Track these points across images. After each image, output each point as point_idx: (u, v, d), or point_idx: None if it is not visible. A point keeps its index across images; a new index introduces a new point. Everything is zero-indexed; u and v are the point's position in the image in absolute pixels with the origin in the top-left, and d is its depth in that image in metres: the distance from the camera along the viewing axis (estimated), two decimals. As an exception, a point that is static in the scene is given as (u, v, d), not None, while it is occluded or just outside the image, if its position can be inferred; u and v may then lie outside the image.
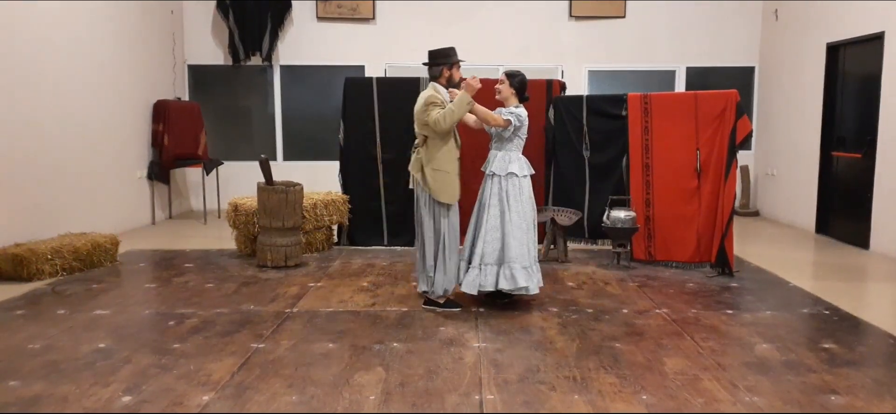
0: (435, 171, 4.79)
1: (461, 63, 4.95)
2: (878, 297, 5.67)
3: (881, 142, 7.23)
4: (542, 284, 5.04)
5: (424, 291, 5.03)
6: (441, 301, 4.98)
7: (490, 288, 4.85)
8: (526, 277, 4.83)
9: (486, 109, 4.87)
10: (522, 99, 5.02)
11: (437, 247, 4.88)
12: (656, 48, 10.08)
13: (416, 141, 4.94)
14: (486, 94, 7.28)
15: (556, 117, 7.16)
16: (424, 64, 4.97)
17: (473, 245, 4.96)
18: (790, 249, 7.47)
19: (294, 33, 10.06)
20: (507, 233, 4.83)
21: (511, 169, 4.87)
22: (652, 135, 6.45)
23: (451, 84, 4.91)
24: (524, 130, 4.96)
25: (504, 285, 4.82)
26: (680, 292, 5.53)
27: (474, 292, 4.88)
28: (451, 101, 4.82)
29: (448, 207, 4.86)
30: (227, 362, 3.89)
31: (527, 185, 4.94)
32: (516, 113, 4.89)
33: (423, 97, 4.85)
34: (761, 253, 7.11)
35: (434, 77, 4.91)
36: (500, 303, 5.08)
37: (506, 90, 4.99)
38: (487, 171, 4.99)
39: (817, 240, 8.09)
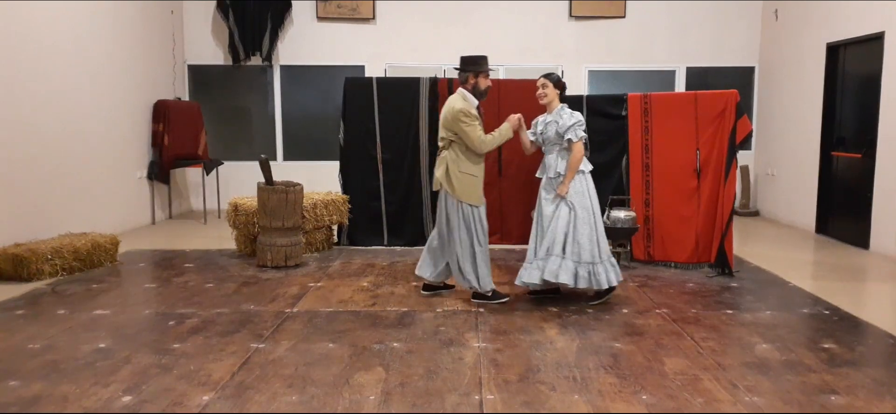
0: (462, 174, 4.92)
1: (490, 72, 5.04)
2: (877, 297, 5.67)
3: (881, 142, 7.23)
4: (621, 279, 5.14)
5: (469, 289, 5.14)
6: (489, 294, 5.09)
7: (564, 281, 4.90)
8: (603, 274, 4.95)
9: (575, 163, 4.91)
10: (563, 99, 5.11)
11: (473, 247, 4.99)
12: (656, 48, 10.09)
13: (441, 143, 5.03)
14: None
15: (556, 117, 7.16)
16: (455, 68, 5.05)
17: (539, 243, 5.02)
18: (790, 249, 7.47)
19: (294, 33, 10.06)
20: (584, 232, 4.91)
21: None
22: (652, 135, 6.45)
23: (476, 92, 4.99)
24: None
25: (581, 284, 4.93)
26: (680, 292, 5.53)
27: (538, 282, 4.97)
28: (477, 109, 4.95)
29: (476, 207, 4.97)
30: (227, 362, 3.89)
31: (591, 180, 5.03)
32: (581, 123, 4.94)
33: (452, 103, 4.92)
34: (761, 253, 7.11)
35: (462, 82, 5.00)
36: (547, 297, 5.17)
37: (552, 92, 5.05)
38: (548, 176, 5.05)
39: (817, 240, 8.10)
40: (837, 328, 4.63)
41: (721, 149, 6.11)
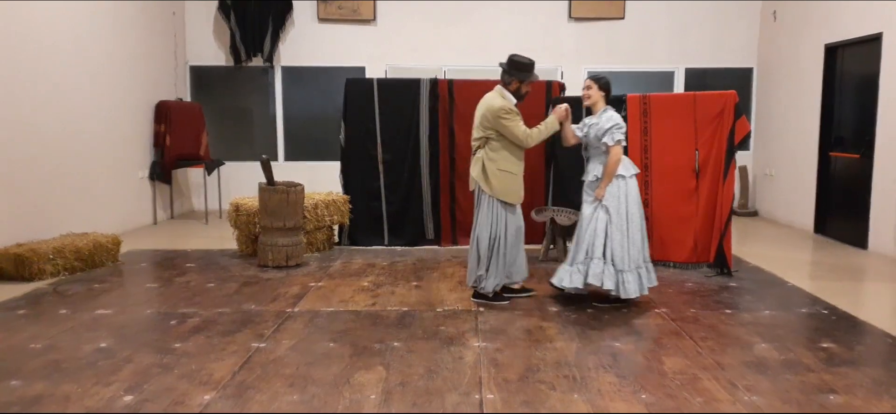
0: (501, 172, 4.89)
1: (534, 80, 5.02)
2: (876, 296, 5.69)
3: (879, 142, 7.25)
4: (654, 283, 5.12)
5: (473, 286, 5.13)
6: (490, 294, 5.09)
7: (609, 287, 4.92)
8: (634, 282, 4.94)
9: (611, 167, 4.91)
10: (609, 100, 5.10)
11: (491, 248, 4.97)
12: (655, 49, 10.11)
13: (476, 143, 5.00)
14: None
15: (556, 118, 7.17)
16: (500, 64, 5.01)
17: (579, 246, 5.03)
18: (789, 249, 7.49)
19: (295, 34, 10.08)
20: (610, 236, 4.92)
21: (619, 171, 4.97)
22: (651, 135, 6.46)
23: (517, 95, 4.97)
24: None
25: (619, 290, 4.92)
26: (679, 292, 5.55)
27: (581, 286, 5.00)
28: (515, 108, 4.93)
29: (509, 208, 4.95)
30: (228, 362, 3.91)
31: (633, 185, 5.01)
32: (620, 127, 4.93)
33: (491, 102, 4.89)
34: (760, 253, 7.13)
35: (505, 83, 4.96)
36: (598, 305, 5.13)
37: (595, 94, 5.06)
38: (588, 179, 5.08)
39: (816, 240, 8.11)
40: (836, 328, 4.65)
41: (720, 149, 6.13)
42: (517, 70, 4.93)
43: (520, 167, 4.98)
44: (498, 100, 4.89)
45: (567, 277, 5.05)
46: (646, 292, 5.08)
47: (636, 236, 4.99)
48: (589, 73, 5.15)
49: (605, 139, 4.92)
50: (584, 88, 5.12)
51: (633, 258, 4.97)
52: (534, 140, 4.93)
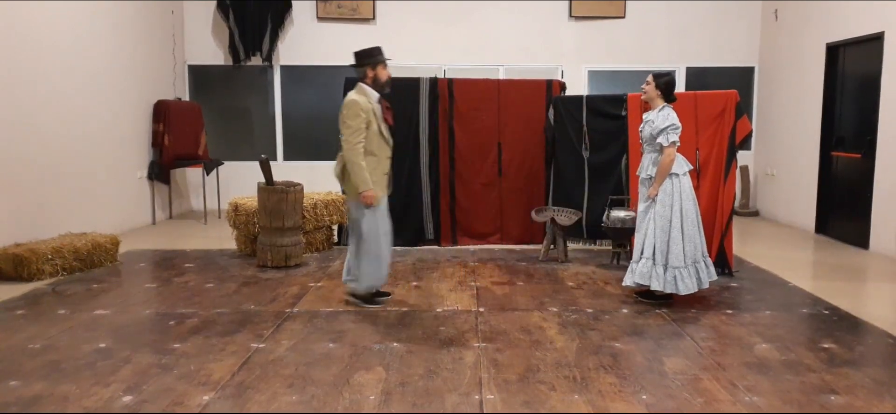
0: (348, 171, 4.77)
1: (387, 62, 4.87)
2: (877, 297, 5.68)
3: (881, 142, 7.23)
4: (714, 277, 5.14)
5: (347, 282, 5.07)
6: (361, 294, 5.03)
7: (657, 287, 4.93)
8: (691, 278, 4.95)
9: (664, 168, 4.90)
10: (669, 99, 5.05)
11: (358, 246, 4.90)
12: (656, 48, 10.09)
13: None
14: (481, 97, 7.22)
15: (556, 117, 7.16)
16: (351, 66, 4.93)
17: (641, 242, 5.04)
18: (790, 249, 7.47)
19: (294, 33, 10.06)
20: (672, 235, 4.91)
21: (672, 169, 4.96)
22: (652, 135, 6.44)
23: (376, 84, 4.84)
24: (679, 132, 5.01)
25: (666, 287, 4.92)
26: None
27: (632, 284, 5.04)
28: (378, 104, 4.80)
29: (371, 209, 4.80)
30: (227, 362, 3.90)
31: (687, 182, 5.00)
32: (675, 127, 4.91)
33: (352, 101, 4.72)
34: (761, 253, 7.12)
35: (360, 78, 4.86)
36: (650, 302, 5.13)
37: (651, 90, 5.05)
38: (642, 176, 5.08)
39: (817, 240, 8.10)
40: (837, 328, 4.63)
41: (721, 149, 6.11)
42: (365, 57, 4.82)
43: (371, 162, 4.75)
44: (359, 98, 4.73)
45: (627, 275, 5.10)
46: (705, 286, 5.07)
47: (692, 232, 4.98)
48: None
49: (659, 139, 4.92)
50: (643, 84, 5.11)
51: (690, 254, 4.96)
52: (355, 158, 4.66)
